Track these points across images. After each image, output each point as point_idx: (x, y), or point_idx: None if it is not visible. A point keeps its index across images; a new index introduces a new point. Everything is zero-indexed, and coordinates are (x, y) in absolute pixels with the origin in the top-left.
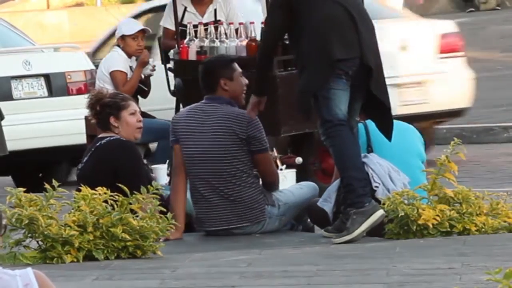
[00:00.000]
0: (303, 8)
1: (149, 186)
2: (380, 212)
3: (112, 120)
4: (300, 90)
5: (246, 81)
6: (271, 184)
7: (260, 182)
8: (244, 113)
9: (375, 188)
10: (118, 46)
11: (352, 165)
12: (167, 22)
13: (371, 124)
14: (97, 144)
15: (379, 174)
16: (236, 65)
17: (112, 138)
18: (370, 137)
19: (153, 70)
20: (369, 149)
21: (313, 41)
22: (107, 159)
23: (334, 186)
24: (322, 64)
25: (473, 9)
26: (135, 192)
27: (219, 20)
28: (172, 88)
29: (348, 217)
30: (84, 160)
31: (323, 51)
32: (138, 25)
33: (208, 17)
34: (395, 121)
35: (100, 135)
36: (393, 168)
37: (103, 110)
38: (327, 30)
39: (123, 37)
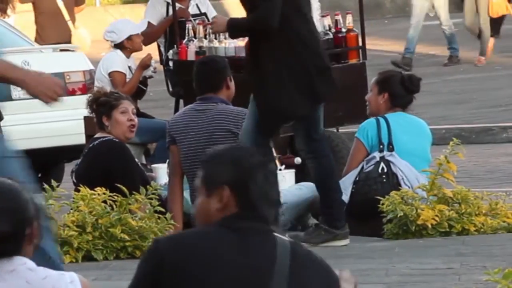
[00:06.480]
0: None
1: (148, 186)
2: None
3: (104, 119)
4: None
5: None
6: None
7: None
8: (238, 110)
9: None
10: (116, 47)
11: None
12: (151, 16)
13: (395, 118)
14: (90, 145)
15: (409, 178)
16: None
17: (104, 139)
18: (390, 133)
19: (154, 72)
20: (390, 147)
21: None
22: (99, 161)
23: (349, 178)
24: None
25: None
26: (133, 192)
27: (205, 13)
28: (171, 88)
29: None
30: (79, 161)
31: None
32: (139, 22)
33: (191, 10)
34: (413, 117)
35: (96, 136)
36: (416, 172)
37: (98, 109)
38: None
39: (129, 37)
